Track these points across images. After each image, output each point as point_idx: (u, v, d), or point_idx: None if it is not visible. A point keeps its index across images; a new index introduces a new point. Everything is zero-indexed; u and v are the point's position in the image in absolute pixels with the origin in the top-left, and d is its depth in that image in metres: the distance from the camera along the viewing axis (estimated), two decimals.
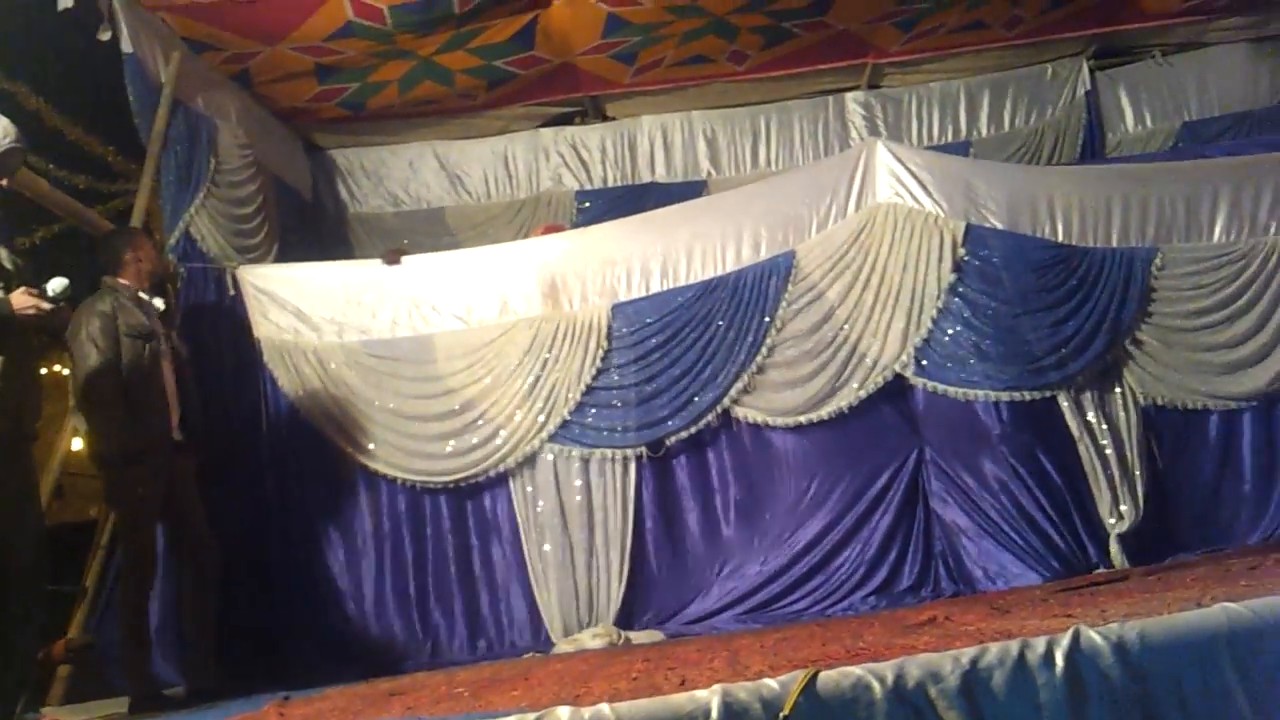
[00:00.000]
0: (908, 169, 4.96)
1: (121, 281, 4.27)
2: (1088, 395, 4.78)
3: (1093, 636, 2.18)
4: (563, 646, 4.57)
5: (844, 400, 4.82)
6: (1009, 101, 7.62)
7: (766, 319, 4.90)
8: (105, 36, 5.09)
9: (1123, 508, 4.67)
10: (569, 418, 4.87)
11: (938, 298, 4.80)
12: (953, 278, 4.81)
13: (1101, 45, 7.63)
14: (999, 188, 4.99)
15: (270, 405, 5.02)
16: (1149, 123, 7.57)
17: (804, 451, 4.87)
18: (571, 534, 4.82)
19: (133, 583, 4.10)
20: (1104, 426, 4.74)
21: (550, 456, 4.89)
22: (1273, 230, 5.05)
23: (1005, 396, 4.70)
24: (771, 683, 2.08)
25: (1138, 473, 4.73)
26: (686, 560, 4.88)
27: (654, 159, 7.57)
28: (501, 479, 4.92)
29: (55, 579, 3.78)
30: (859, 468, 4.82)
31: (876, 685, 2.08)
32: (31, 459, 3.56)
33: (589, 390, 4.89)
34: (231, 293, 5.15)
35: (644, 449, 4.87)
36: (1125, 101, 7.63)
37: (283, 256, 6.00)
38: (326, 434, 4.95)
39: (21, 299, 3.35)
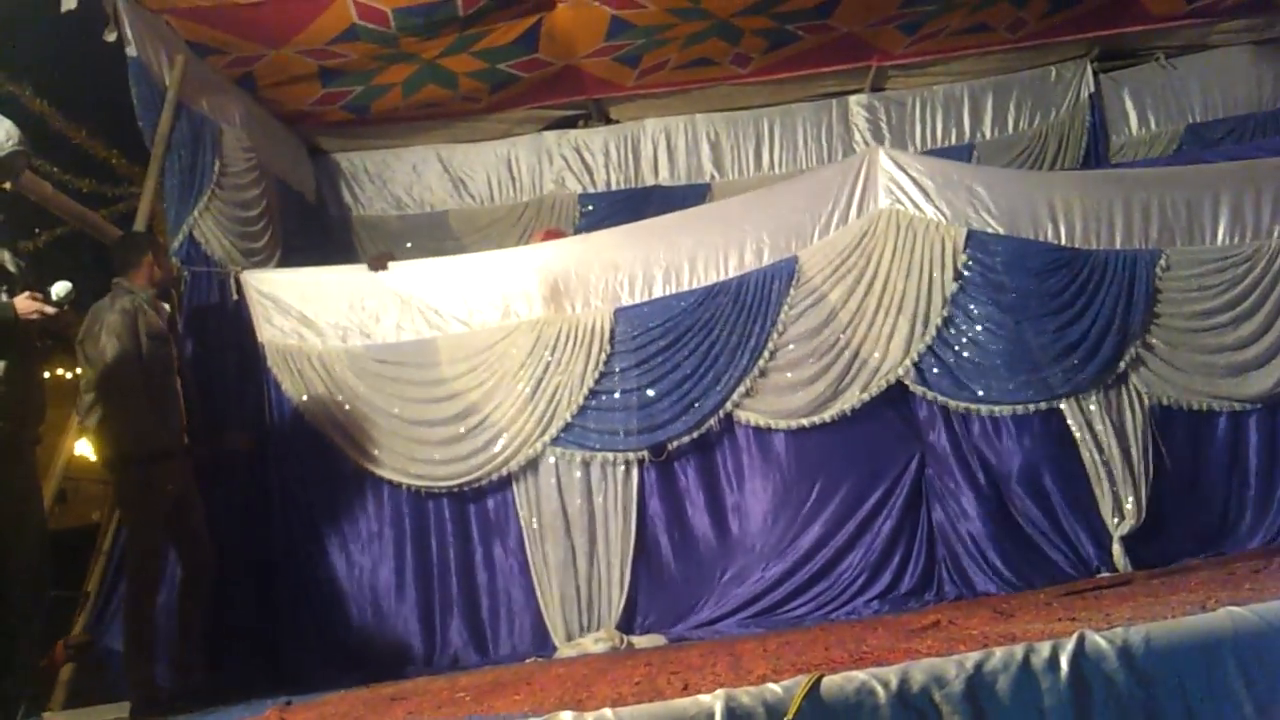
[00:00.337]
0: (909, 175, 4.97)
1: (136, 284, 4.28)
2: (1092, 396, 4.76)
3: (1097, 640, 2.18)
4: (565, 651, 4.56)
5: (847, 403, 4.82)
6: (1013, 104, 7.60)
7: (769, 322, 4.90)
8: (111, 38, 5.11)
9: (1126, 507, 4.66)
10: (571, 420, 4.87)
11: (942, 307, 4.80)
12: (955, 287, 4.81)
13: (1105, 48, 7.60)
14: (1000, 192, 4.99)
15: (274, 409, 5.02)
16: (1153, 125, 7.55)
17: (807, 456, 4.87)
18: (574, 538, 4.82)
19: (138, 587, 4.09)
20: (1108, 428, 4.72)
21: (552, 460, 4.88)
22: (1276, 233, 5.05)
23: (1009, 410, 4.71)
24: (775, 687, 2.08)
25: (1143, 474, 4.71)
26: (689, 564, 4.88)
27: (657, 162, 7.56)
28: (504, 483, 4.92)
29: (57, 583, 3.76)
30: (862, 472, 4.83)
31: (881, 690, 2.09)
32: (34, 462, 3.57)
33: (591, 393, 4.89)
34: (235, 297, 5.15)
35: (646, 453, 4.86)
36: (1129, 104, 7.61)
37: (286, 260, 5.99)
38: (330, 438, 4.95)
39: (26, 304, 3.36)
